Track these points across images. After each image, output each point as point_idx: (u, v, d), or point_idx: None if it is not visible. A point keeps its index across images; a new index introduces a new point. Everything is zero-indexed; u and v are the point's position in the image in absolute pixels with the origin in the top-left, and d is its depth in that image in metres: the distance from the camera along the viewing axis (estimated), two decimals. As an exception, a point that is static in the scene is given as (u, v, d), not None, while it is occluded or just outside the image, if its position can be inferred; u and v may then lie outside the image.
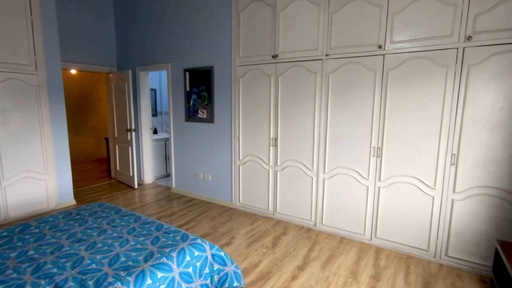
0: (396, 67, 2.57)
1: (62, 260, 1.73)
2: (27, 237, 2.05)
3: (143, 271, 1.59)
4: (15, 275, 1.59)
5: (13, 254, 1.81)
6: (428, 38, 2.42)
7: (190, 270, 1.78)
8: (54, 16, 3.61)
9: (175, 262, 1.73)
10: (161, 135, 5.59)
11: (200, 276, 1.84)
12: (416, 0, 2.42)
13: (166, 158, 5.42)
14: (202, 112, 4.01)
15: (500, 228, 2.29)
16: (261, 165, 3.54)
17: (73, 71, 5.96)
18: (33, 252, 1.84)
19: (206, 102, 3.95)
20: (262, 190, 3.58)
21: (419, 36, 2.45)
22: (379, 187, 2.77)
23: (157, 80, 5.97)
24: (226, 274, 1.99)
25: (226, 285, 1.98)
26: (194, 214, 3.66)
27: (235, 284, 2.01)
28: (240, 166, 3.73)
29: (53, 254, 1.81)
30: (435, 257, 2.58)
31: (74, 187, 4.42)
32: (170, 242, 1.94)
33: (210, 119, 3.94)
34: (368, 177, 2.82)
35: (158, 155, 5.27)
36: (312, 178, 3.16)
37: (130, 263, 1.70)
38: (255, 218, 3.51)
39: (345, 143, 2.91)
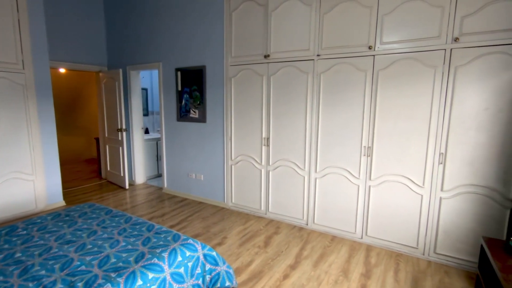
0: (386, 68, 2.61)
1: (50, 262, 1.70)
2: (14, 239, 2.01)
3: (133, 272, 1.58)
4: (1, 278, 1.55)
5: (-1, 257, 1.77)
6: (417, 39, 2.46)
7: (181, 270, 1.77)
8: (42, 14, 3.54)
9: (167, 263, 1.72)
10: (152, 135, 5.53)
11: (192, 276, 1.83)
12: (405, 1, 2.46)
13: (158, 158, 5.37)
14: (194, 111, 4.00)
15: (485, 225, 2.35)
16: (253, 165, 3.54)
17: (62, 70, 5.86)
18: (20, 254, 1.80)
19: (198, 102, 3.93)
20: (254, 189, 3.58)
21: (408, 37, 2.49)
22: (369, 186, 2.81)
23: (148, 79, 5.91)
24: (218, 274, 1.99)
25: (218, 284, 1.98)
26: (186, 214, 3.64)
27: (227, 283, 2.02)
28: (232, 166, 3.72)
29: (41, 256, 1.77)
30: (423, 254, 2.63)
31: (64, 188, 4.34)
32: (161, 242, 1.93)
33: (202, 118, 3.93)
34: (359, 176, 2.85)
35: (149, 155, 5.22)
36: (304, 177, 3.18)
37: (120, 264, 1.68)
38: (248, 218, 3.52)
39: (337, 143, 2.94)
